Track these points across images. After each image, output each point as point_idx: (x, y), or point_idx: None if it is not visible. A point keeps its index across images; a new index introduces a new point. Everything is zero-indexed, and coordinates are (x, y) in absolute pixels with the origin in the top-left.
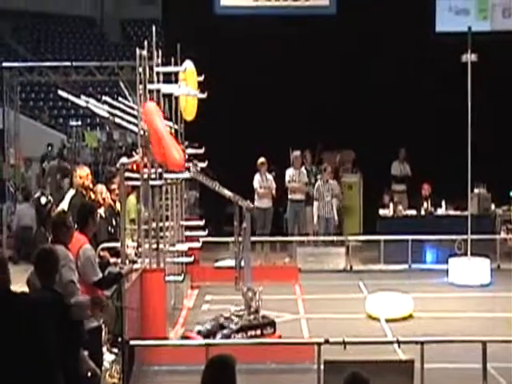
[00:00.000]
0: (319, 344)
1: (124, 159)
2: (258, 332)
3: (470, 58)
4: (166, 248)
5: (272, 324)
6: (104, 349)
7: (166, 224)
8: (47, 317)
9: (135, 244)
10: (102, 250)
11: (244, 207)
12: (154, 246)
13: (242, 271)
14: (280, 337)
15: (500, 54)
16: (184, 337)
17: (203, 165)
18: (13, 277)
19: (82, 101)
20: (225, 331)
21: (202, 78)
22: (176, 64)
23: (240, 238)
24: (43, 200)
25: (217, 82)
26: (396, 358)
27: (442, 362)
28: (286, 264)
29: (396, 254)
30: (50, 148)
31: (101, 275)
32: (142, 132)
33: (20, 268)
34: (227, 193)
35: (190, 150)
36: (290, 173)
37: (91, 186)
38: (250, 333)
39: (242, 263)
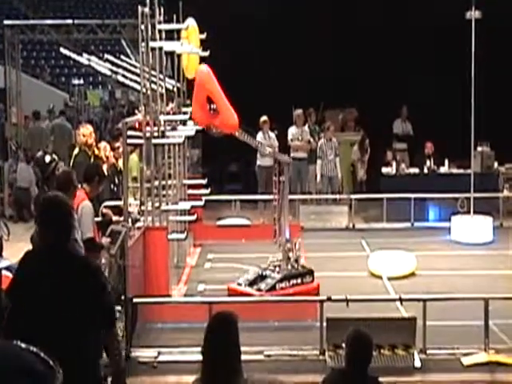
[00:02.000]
0: (322, 301)
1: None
2: (299, 281)
3: (473, 14)
4: (168, 206)
5: (311, 273)
6: None
7: (169, 182)
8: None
9: (138, 202)
10: (105, 207)
11: (283, 161)
12: (157, 204)
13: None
14: (318, 286)
15: (504, 11)
16: (229, 289)
17: None
18: (15, 235)
19: (84, 59)
20: (269, 280)
21: (204, 36)
22: (178, 22)
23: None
24: (47, 158)
25: (219, 40)
26: (398, 315)
27: (444, 320)
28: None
29: (399, 212)
30: (52, 106)
31: (91, 234)
32: (144, 90)
33: (20, 227)
34: (268, 149)
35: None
36: (292, 131)
37: (94, 143)
38: (292, 281)
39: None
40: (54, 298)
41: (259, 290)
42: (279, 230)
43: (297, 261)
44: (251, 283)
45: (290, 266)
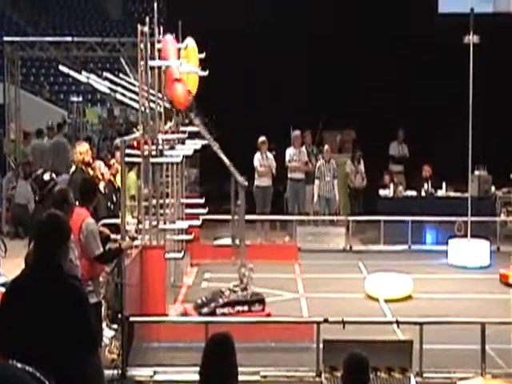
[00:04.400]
0: (318, 323)
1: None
2: (246, 308)
3: (472, 39)
4: (166, 225)
5: (261, 301)
6: (104, 324)
7: (167, 201)
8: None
9: (135, 220)
10: (103, 225)
11: (239, 183)
12: (154, 222)
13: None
14: (269, 314)
15: (502, 36)
16: (183, 312)
17: (204, 142)
18: (12, 252)
19: (82, 76)
20: (212, 304)
21: (203, 56)
22: (177, 41)
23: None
24: (46, 176)
25: (218, 60)
26: (395, 338)
27: (441, 343)
28: (285, 243)
29: (396, 234)
30: (51, 123)
31: (102, 250)
32: (142, 109)
33: (17, 243)
34: (226, 161)
35: (190, 128)
36: (290, 152)
37: (91, 161)
38: (236, 308)
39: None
40: (36, 314)
41: (200, 313)
42: (237, 252)
43: (246, 288)
44: (201, 306)
45: (243, 292)
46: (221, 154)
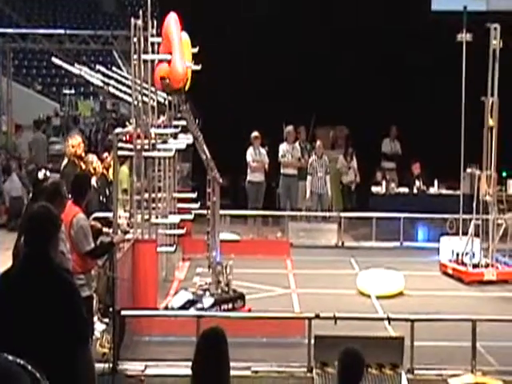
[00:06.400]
0: (310, 319)
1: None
2: (230, 306)
3: (465, 37)
4: (158, 219)
5: (242, 297)
6: (95, 318)
7: (159, 195)
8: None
9: (127, 214)
10: (94, 219)
11: (215, 179)
12: (147, 216)
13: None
14: (250, 310)
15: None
16: None
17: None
18: (4, 244)
19: (75, 69)
20: (199, 306)
21: (196, 50)
22: None
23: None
24: (40, 175)
25: (211, 55)
26: (386, 334)
27: (432, 340)
28: (277, 238)
29: (388, 231)
30: (43, 116)
31: (93, 245)
32: (135, 102)
33: (11, 235)
34: (207, 153)
35: (182, 122)
36: (283, 147)
37: (83, 154)
38: (223, 307)
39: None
40: (26, 307)
41: None
42: (210, 248)
43: (228, 285)
44: (180, 308)
45: (220, 290)
46: (204, 147)
